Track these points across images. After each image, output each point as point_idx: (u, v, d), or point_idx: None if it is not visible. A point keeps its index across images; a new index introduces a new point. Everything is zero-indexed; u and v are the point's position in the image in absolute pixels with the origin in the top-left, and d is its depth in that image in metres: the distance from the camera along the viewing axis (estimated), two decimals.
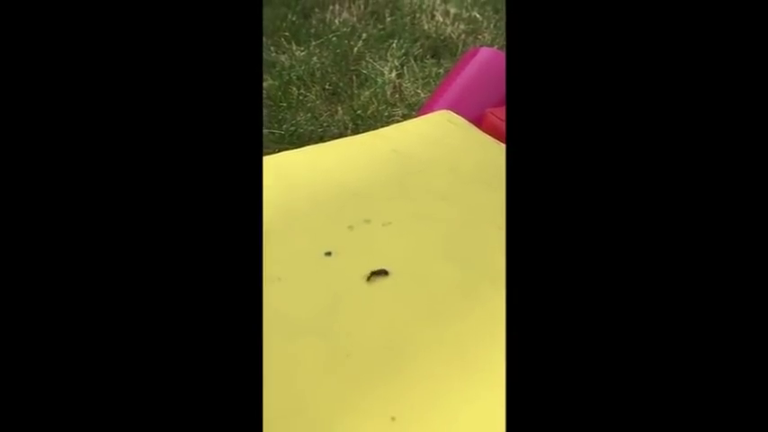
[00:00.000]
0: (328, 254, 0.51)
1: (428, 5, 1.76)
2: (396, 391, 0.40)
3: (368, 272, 0.48)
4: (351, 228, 0.54)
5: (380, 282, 0.48)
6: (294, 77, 1.33)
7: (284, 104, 1.24)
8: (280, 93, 1.27)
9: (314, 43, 1.47)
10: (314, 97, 1.29)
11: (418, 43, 1.54)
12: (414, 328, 0.45)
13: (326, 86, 1.32)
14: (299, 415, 0.38)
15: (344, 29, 1.56)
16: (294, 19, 1.57)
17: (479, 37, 1.65)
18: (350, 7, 1.69)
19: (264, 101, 1.24)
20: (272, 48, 1.45)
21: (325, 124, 1.21)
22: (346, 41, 1.50)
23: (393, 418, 0.38)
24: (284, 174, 0.60)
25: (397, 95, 1.33)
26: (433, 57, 1.52)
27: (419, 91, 1.35)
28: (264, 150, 1.13)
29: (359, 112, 1.24)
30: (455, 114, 0.74)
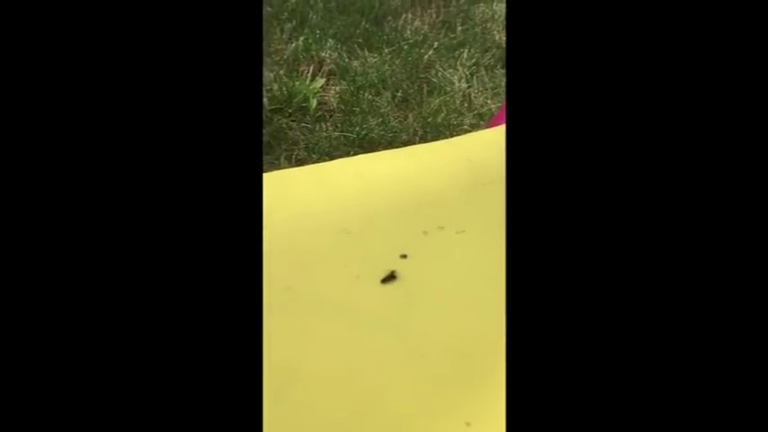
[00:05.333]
0: (404, 256, 0.52)
1: (500, 15, 1.76)
2: (470, 397, 0.41)
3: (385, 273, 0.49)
4: (425, 233, 0.56)
5: (453, 288, 0.50)
6: (366, 83, 1.36)
7: (357, 109, 1.27)
8: (353, 98, 1.30)
9: (386, 50, 1.50)
10: (385, 103, 1.31)
11: (489, 53, 1.55)
12: (486, 336, 0.46)
13: (397, 93, 1.35)
14: (379, 411, 0.40)
15: (416, 37, 1.58)
16: (367, 26, 1.60)
17: None
18: (422, 16, 1.71)
19: (338, 105, 1.28)
20: (345, 54, 1.48)
21: (395, 130, 1.23)
22: (417, 49, 1.52)
23: (468, 424, 0.39)
24: (362, 176, 0.62)
25: (466, 105, 1.34)
26: (503, 67, 1.52)
27: (488, 101, 1.36)
28: (336, 153, 1.16)
29: (429, 119, 1.26)
30: None
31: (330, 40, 1.51)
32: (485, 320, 0.46)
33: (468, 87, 1.40)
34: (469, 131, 1.24)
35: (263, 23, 1.55)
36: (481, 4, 1.75)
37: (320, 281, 0.49)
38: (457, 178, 0.64)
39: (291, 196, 0.57)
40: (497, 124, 0.80)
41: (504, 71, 1.50)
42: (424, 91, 1.37)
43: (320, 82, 1.38)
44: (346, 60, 1.46)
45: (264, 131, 1.22)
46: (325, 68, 1.44)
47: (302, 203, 0.56)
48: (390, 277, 0.49)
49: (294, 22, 1.57)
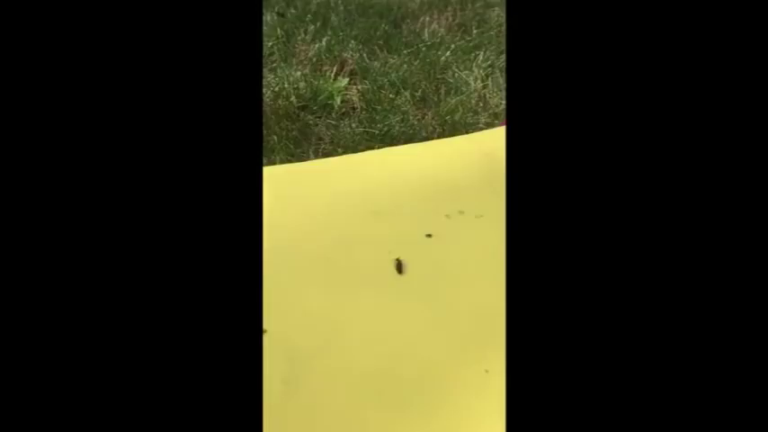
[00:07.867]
0: (429, 236, 0.60)
1: None
2: (489, 350, 0.48)
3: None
4: (448, 216, 0.63)
5: (473, 263, 0.57)
6: (386, 83, 1.43)
7: (378, 107, 1.34)
8: (375, 97, 1.37)
9: (405, 52, 1.57)
10: (404, 102, 1.38)
11: (503, 56, 1.61)
12: (500, 302, 0.53)
13: (416, 92, 1.42)
14: (411, 361, 0.48)
15: (434, 39, 1.65)
16: (387, 28, 1.68)
17: None
18: (439, 19, 1.78)
19: (359, 103, 1.35)
20: (366, 54, 1.56)
21: (415, 127, 1.30)
22: (435, 51, 1.59)
23: (486, 371, 0.47)
24: (389, 166, 0.69)
25: (481, 104, 1.41)
26: None
27: (503, 101, 1.43)
28: (360, 148, 1.23)
29: (446, 118, 1.33)
30: None
31: (352, 41, 1.58)
32: (499, 290, 0.54)
33: (484, 88, 1.47)
34: (485, 130, 1.31)
35: (288, 25, 1.62)
36: (496, 8, 1.82)
37: (356, 254, 0.56)
38: (475, 169, 0.71)
39: (327, 183, 0.65)
40: None
41: None
42: (442, 91, 1.44)
43: (343, 81, 1.46)
44: (367, 61, 1.53)
45: (293, 127, 1.30)
46: (348, 68, 1.52)
47: (336, 189, 0.64)
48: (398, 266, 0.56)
49: (317, 23, 1.65)
